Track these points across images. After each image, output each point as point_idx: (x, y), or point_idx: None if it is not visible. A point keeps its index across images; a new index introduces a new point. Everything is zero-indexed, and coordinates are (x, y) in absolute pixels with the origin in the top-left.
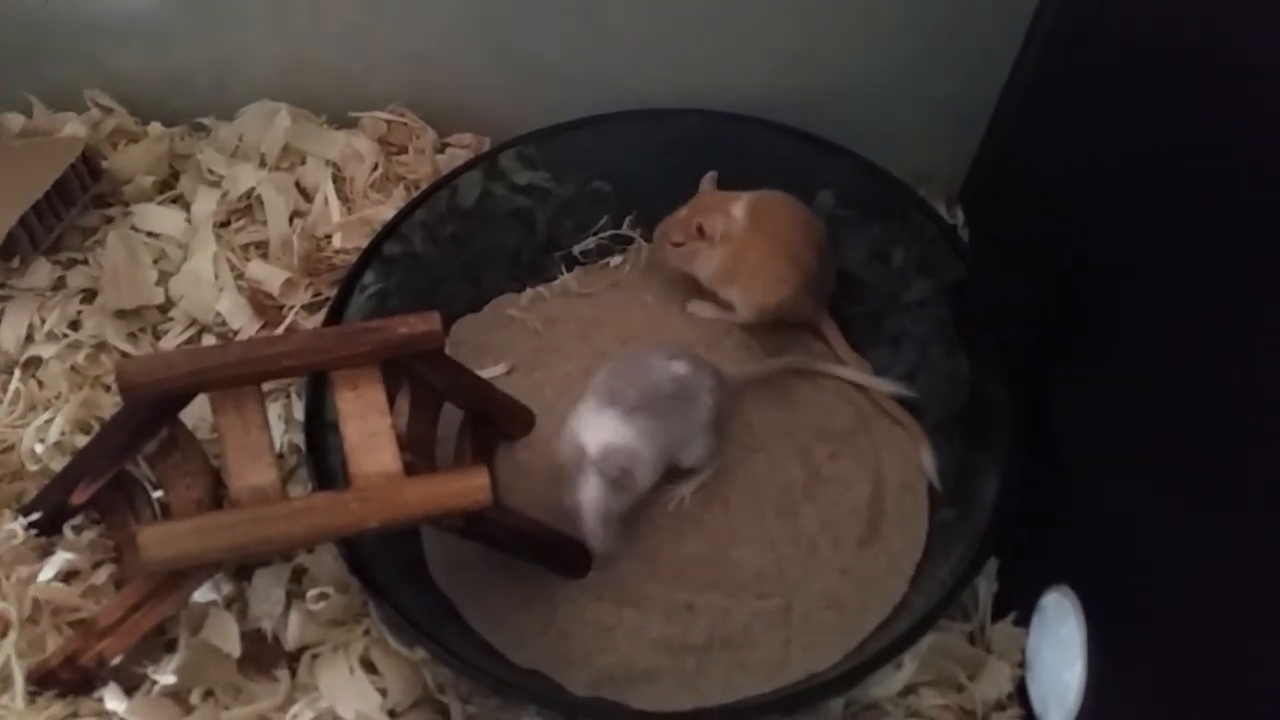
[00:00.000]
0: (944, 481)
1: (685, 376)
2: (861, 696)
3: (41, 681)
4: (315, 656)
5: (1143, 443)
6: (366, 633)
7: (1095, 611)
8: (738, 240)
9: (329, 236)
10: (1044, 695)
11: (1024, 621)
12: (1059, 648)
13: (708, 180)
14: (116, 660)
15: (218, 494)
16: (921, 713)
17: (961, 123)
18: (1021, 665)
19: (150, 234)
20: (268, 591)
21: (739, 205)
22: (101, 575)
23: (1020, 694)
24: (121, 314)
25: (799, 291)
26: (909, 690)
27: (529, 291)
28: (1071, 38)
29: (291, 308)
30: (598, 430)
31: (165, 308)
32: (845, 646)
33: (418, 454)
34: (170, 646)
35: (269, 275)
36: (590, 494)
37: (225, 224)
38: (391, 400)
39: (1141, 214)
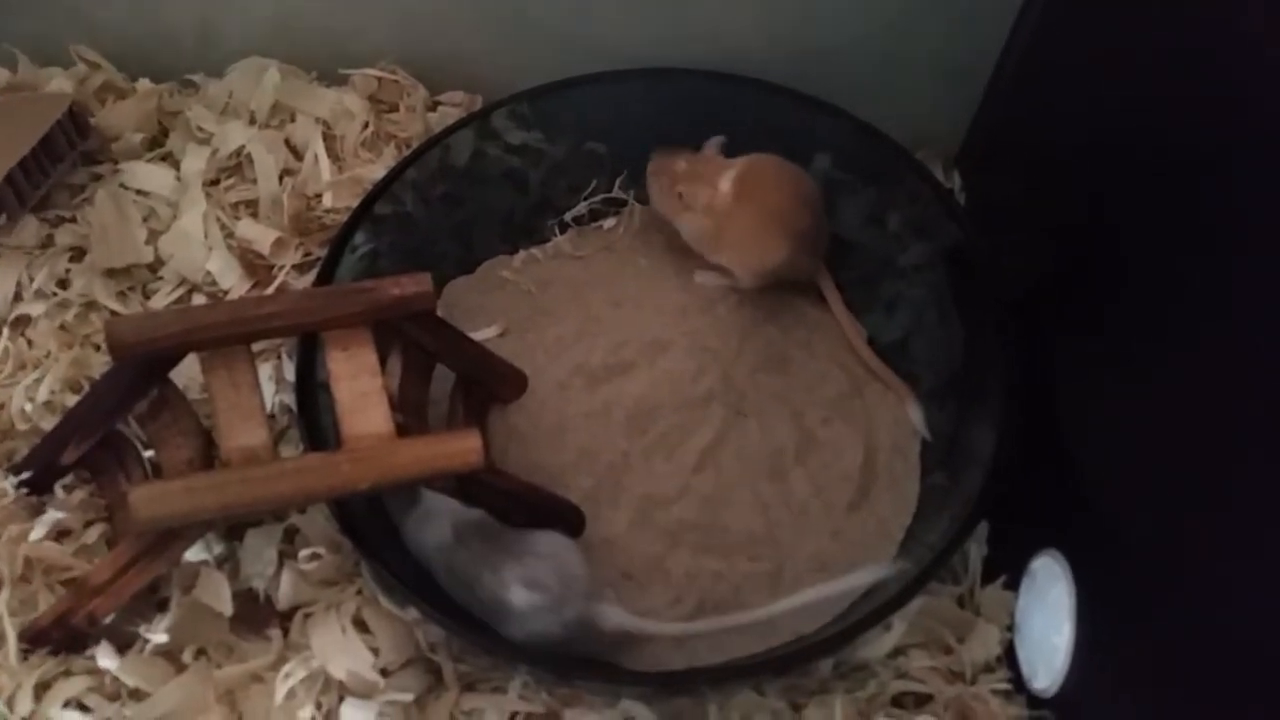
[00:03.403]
0: (936, 445)
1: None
2: (850, 658)
3: (34, 640)
4: (307, 616)
5: (1135, 407)
6: (359, 592)
7: (1084, 576)
8: (721, 213)
9: (319, 196)
10: (1032, 658)
11: (1013, 585)
12: (1048, 611)
13: (713, 144)
14: (108, 619)
15: (209, 454)
16: (910, 674)
17: (960, 85)
18: (1010, 628)
19: (139, 192)
20: (260, 551)
21: (727, 179)
22: (93, 534)
23: (1009, 657)
24: (111, 272)
25: (795, 253)
26: (898, 652)
27: (522, 253)
28: None
29: (282, 267)
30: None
31: (155, 266)
32: (835, 608)
33: (410, 415)
34: (162, 605)
35: (259, 234)
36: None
37: (215, 182)
38: (383, 361)
39: (1141, 178)
